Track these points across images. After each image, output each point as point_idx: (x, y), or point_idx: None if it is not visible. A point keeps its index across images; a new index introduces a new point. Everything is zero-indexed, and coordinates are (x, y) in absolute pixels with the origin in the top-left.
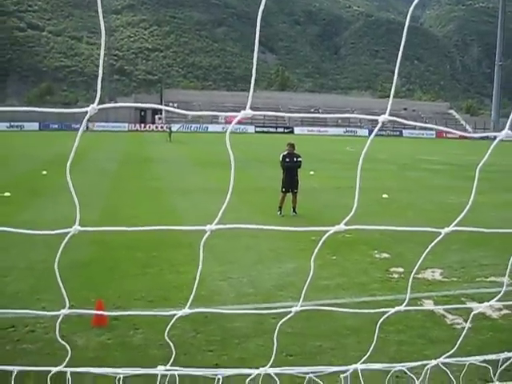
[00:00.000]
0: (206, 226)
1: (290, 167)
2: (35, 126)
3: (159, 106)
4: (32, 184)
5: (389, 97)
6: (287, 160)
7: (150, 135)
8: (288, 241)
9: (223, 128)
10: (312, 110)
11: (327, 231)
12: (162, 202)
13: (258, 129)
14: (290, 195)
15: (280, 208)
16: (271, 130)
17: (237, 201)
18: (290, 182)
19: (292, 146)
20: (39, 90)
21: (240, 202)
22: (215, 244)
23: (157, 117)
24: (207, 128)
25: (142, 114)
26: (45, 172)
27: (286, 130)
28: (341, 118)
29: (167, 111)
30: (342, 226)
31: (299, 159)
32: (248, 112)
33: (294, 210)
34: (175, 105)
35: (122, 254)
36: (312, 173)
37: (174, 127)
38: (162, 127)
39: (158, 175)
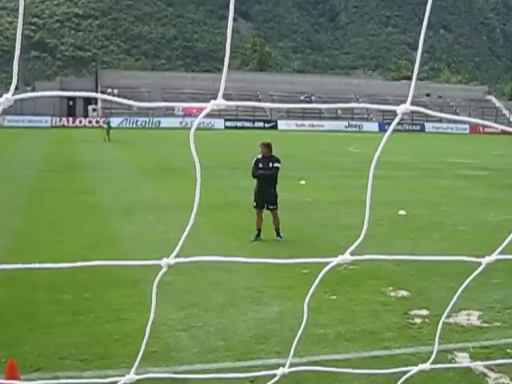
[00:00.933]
0: (162, 259)
1: (265, 175)
2: None
3: (94, 94)
4: None
5: (405, 78)
6: (260, 166)
7: (82, 132)
8: (271, 276)
9: (181, 123)
10: (302, 98)
11: (326, 263)
12: (98, 224)
13: (228, 123)
14: (268, 214)
15: (258, 231)
16: (247, 124)
17: (201, 222)
18: (265, 196)
19: (267, 146)
20: None
21: (206, 224)
22: (173, 281)
23: (90, 108)
24: (159, 123)
25: (71, 103)
26: None
27: (266, 125)
28: (341, 108)
29: (105, 100)
30: (346, 257)
31: (277, 164)
32: (220, 102)
33: (277, 234)
34: (115, 91)
35: (43, 296)
36: (303, 182)
37: (114, 122)
38: (97, 122)
39: (92, 187)
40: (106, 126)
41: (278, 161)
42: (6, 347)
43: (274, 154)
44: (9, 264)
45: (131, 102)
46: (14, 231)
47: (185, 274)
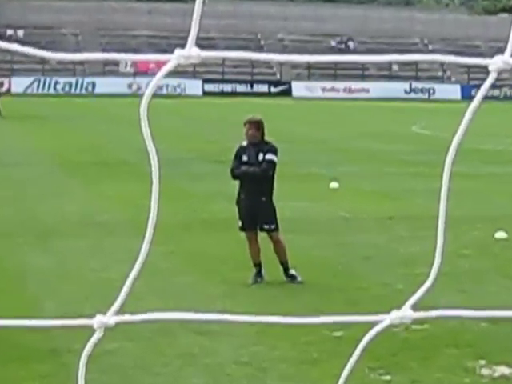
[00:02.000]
0: (95, 316)
1: (250, 175)
2: None
3: None
4: None
5: (504, 11)
6: (245, 159)
7: None
8: (281, 342)
9: (130, 86)
10: (333, 44)
11: (373, 323)
12: None
13: (209, 86)
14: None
15: (257, 267)
16: (240, 89)
17: (164, 251)
18: (252, 209)
19: (256, 125)
20: None
21: (172, 255)
22: (117, 350)
23: None
24: (93, 86)
25: None
26: None
27: (273, 89)
28: (399, 61)
29: (0, 50)
30: (406, 312)
31: (270, 157)
32: (192, 52)
33: (286, 272)
34: (20, 34)
35: None
36: (335, 185)
37: (17, 84)
38: None
39: None
40: None
41: (273, 151)
42: None
43: (267, 139)
44: None
45: (45, 53)
46: None
47: (137, 339)
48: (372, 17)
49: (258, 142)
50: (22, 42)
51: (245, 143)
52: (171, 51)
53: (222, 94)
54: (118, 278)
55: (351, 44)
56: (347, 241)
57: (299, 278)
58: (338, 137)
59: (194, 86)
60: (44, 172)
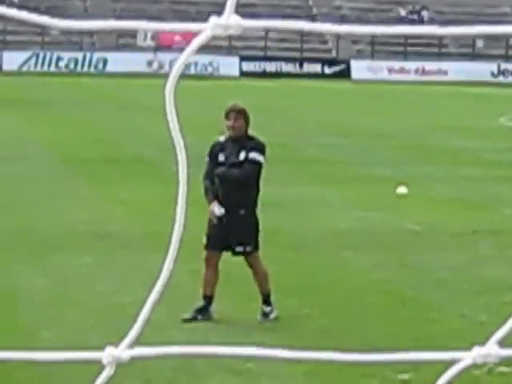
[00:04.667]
0: (104, 349)
1: (227, 179)
2: None
3: None
4: None
5: None
6: (221, 159)
7: None
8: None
9: (150, 64)
10: (403, 14)
11: (450, 362)
12: None
13: (247, 65)
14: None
15: (205, 299)
16: (286, 68)
17: (188, 270)
18: (226, 224)
19: (237, 115)
20: None
21: (196, 277)
22: None
23: None
24: (104, 63)
25: None
26: None
27: (327, 70)
28: (483, 34)
29: None
30: (492, 349)
31: (254, 156)
32: (230, 21)
33: (265, 303)
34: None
35: None
36: (403, 191)
37: (11, 59)
38: None
39: None
40: None
41: (259, 149)
42: None
43: (253, 135)
44: None
45: (46, 20)
46: None
47: (156, 379)
48: None
49: (241, 137)
50: (17, 7)
51: (222, 138)
52: (202, 20)
53: (264, 74)
54: (133, 303)
55: (425, 14)
56: (417, 261)
57: (272, 315)
58: (408, 130)
59: (230, 65)
60: (42, 170)
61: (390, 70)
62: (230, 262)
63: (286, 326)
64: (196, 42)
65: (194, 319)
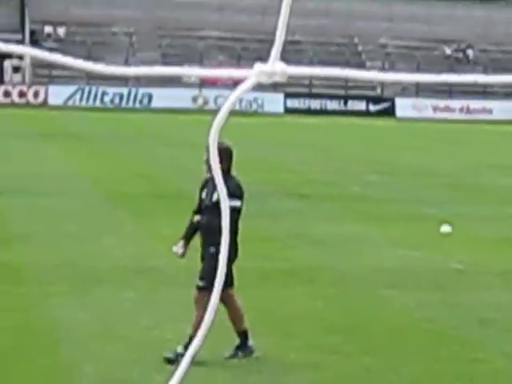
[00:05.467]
0: None
1: (202, 223)
2: None
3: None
4: None
5: None
6: (203, 196)
7: None
8: None
9: (195, 100)
10: (448, 52)
11: None
12: (18, 309)
13: (292, 102)
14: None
15: (239, 335)
16: (331, 106)
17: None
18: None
19: (225, 153)
20: None
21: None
22: None
23: (8, 65)
24: (149, 98)
25: None
26: None
27: (372, 108)
28: None
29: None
30: None
31: (234, 203)
32: (276, 68)
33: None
34: (60, 32)
35: None
36: (447, 229)
37: (58, 93)
38: (22, 94)
39: (3, 233)
40: None
41: (236, 194)
42: None
43: (234, 175)
44: None
45: (87, 65)
46: None
47: None
48: (497, 19)
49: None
50: (64, 42)
51: (209, 175)
52: (247, 57)
53: (309, 111)
54: (175, 338)
55: (470, 52)
56: (461, 299)
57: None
58: (453, 168)
59: (275, 102)
60: (85, 204)
61: (435, 109)
62: (275, 299)
63: (328, 363)
64: (241, 89)
65: (234, 356)
